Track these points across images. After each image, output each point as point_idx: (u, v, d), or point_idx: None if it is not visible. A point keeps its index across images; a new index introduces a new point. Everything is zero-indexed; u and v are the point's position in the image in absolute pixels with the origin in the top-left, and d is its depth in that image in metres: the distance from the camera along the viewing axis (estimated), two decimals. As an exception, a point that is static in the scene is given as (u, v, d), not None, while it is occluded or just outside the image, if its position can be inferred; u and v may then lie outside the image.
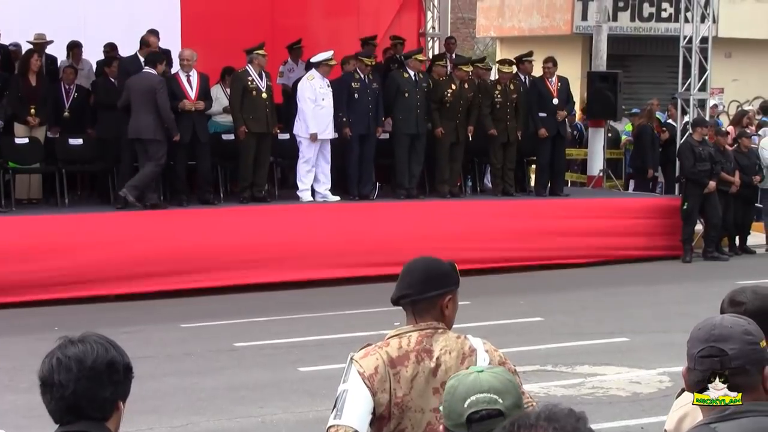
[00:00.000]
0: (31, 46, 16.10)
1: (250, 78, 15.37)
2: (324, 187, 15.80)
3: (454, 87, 16.57)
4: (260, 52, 15.39)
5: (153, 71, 14.64)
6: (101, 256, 13.55)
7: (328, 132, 15.65)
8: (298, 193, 15.79)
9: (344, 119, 15.80)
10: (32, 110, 14.88)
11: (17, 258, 13.19)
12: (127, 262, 13.64)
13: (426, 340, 3.99)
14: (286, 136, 16.24)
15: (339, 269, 14.76)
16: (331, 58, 15.63)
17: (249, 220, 14.93)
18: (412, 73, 16.48)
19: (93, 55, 17.14)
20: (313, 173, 15.71)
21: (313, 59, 15.80)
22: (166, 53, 15.72)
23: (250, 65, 15.44)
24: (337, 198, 15.84)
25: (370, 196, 16.27)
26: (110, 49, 16.60)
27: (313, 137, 15.47)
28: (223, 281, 14.13)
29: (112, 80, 15.79)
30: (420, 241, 14.26)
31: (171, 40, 16.99)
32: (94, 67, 17.01)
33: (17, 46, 16.85)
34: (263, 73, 15.52)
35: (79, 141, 15.55)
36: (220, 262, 14.15)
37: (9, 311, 12.76)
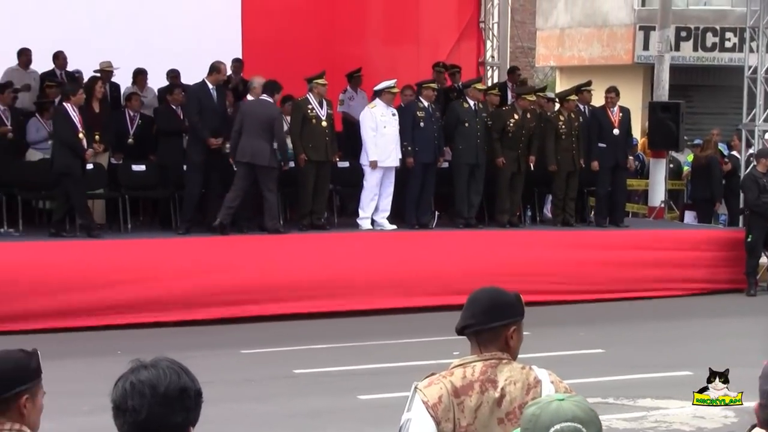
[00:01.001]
0: (94, 73, 16.35)
1: (309, 106, 15.46)
2: (382, 215, 15.82)
3: (516, 116, 16.54)
4: (320, 81, 15.46)
5: (270, 100, 14.85)
6: (162, 282, 13.64)
7: (392, 160, 15.70)
8: (358, 220, 15.83)
9: (409, 148, 15.83)
10: (96, 137, 15.05)
11: (79, 283, 13.33)
12: (188, 288, 13.71)
13: (490, 370, 3.99)
14: (346, 164, 16.32)
15: (397, 298, 14.73)
16: (394, 86, 15.71)
17: (308, 247, 14.95)
18: (471, 103, 16.47)
19: (154, 83, 17.36)
20: (375, 202, 15.75)
21: (376, 87, 15.88)
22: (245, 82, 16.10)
23: (310, 93, 15.53)
24: (394, 227, 15.85)
25: (429, 225, 16.26)
26: (174, 75, 16.79)
27: (373, 164, 15.52)
28: (282, 309, 14.15)
29: (174, 107, 15.95)
30: (479, 270, 14.22)
31: (234, 69, 17.20)
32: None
33: (79, 73, 17.10)
34: (324, 101, 15.60)
35: (142, 167, 15.72)
36: (280, 290, 14.18)
37: (70, 335, 12.87)
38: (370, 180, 15.71)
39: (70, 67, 17.24)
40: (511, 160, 16.45)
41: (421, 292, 14.79)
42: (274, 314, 14.04)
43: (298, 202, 15.85)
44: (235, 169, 15.26)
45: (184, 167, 15.28)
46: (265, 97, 15.00)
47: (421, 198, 16.21)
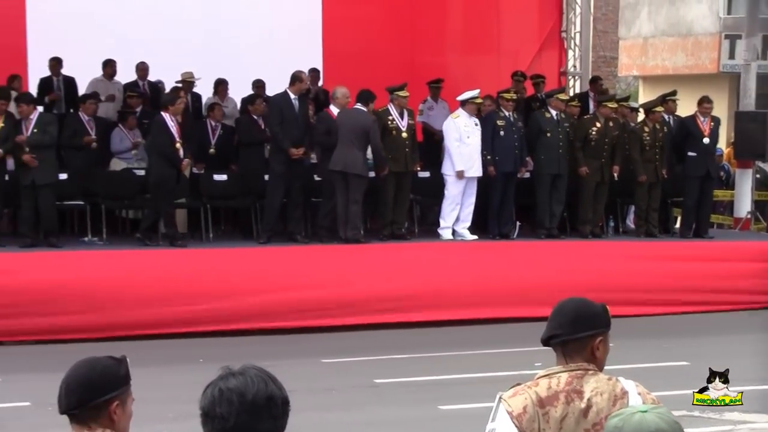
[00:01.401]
0: (176, 83, 16.53)
1: (390, 117, 15.48)
2: (463, 225, 15.78)
3: (598, 125, 16.43)
4: (401, 93, 15.48)
5: (364, 109, 14.95)
6: (244, 291, 13.71)
7: (475, 170, 15.66)
8: (438, 230, 15.80)
9: (488, 157, 15.79)
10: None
11: (162, 291, 13.46)
12: (269, 297, 13.77)
13: (576, 381, 3.98)
14: (427, 174, 16.31)
15: (478, 308, 14.67)
16: (478, 96, 15.68)
17: (388, 257, 14.95)
18: (553, 113, 16.38)
19: (234, 93, 17.51)
20: (457, 212, 15.72)
21: (460, 97, 15.85)
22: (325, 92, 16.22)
23: (391, 104, 15.55)
24: (475, 237, 15.79)
25: (510, 236, 16.18)
26: (259, 85, 16.92)
27: (460, 174, 15.51)
28: (363, 319, 14.15)
29: (255, 118, 16.06)
30: (561, 281, 14.12)
31: (312, 78, 17.29)
32: (238, 105, 17.37)
33: (161, 83, 17.33)
34: (405, 111, 15.60)
35: (224, 177, 15.84)
36: (360, 300, 14.19)
37: (155, 342, 12.99)
38: (452, 190, 15.69)
39: (152, 78, 17.49)
40: (594, 169, 16.32)
41: (502, 302, 14.70)
42: (354, 323, 14.06)
43: (379, 212, 15.87)
44: (318, 178, 15.39)
45: (265, 177, 15.38)
46: (359, 106, 15.08)
47: (502, 208, 16.14)
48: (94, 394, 3.50)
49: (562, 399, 3.93)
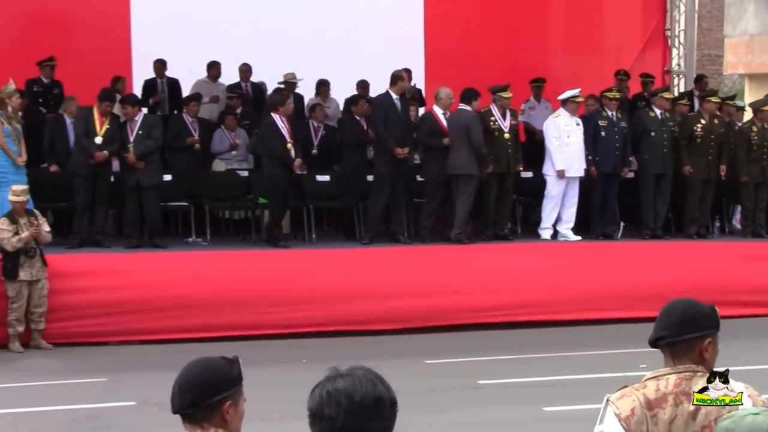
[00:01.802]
0: (278, 84, 16.65)
1: (492, 118, 15.42)
2: (566, 226, 15.66)
3: (703, 122, 16.18)
4: (504, 94, 15.41)
5: (468, 107, 14.96)
6: (347, 292, 13.75)
7: (576, 169, 15.55)
8: (539, 230, 15.71)
9: (589, 157, 15.65)
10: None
11: (265, 292, 13.56)
12: (372, 298, 13.78)
13: (684, 383, 3.95)
14: (530, 174, 16.21)
15: (582, 310, 14.53)
16: (578, 95, 15.57)
17: (491, 258, 14.88)
18: (658, 112, 16.18)
19: (336, 94, 17.59)
20: (557, 212, 15.61)
21: (560, 96, 15.75)
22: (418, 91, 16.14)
23: (493, 105, 15.49)
24: (578, 238, 15.66)
25: (614, 236, 16.02)
26: (363, 86, 16.96)
27: (560, 174, 15.40)
28: (466, 319, 14.11)
29: (357, 118, 16.10)
30: (665, 282, 13.91)
31: (415, 78, 17.30)
32: (341, 105, 17.45)
33: (263, 84, 17.48)
34: (507, 111, 15.52)
35: (326, 178, 15.91)
36: (462, 300, 14.14)
37: (257, 342, 13.09)
38: (552, 190, 15.59)
39: (254, 79, 17.65)
40: (700, 167, 16.08)
41: (607, 303, 14.55)
42: (457, 324, 14.02)
43: (481, 212, 15.81)
44: (420, 179, 15.39)
45: (368, 177, 15.42)
46: (462, 105, 15.08)
47: (604, 208, 15.99)
48: (208, 394, 3.54)
49: (671, 401, 3.91)
